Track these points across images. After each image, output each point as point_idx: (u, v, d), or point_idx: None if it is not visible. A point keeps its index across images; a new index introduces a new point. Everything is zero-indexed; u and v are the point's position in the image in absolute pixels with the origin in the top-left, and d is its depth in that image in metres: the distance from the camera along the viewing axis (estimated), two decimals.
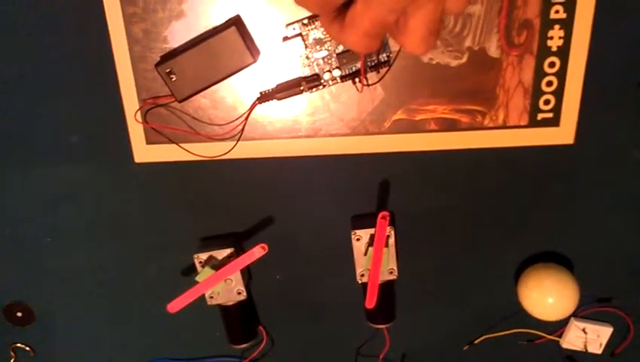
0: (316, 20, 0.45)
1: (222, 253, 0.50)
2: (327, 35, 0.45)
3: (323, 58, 0.46)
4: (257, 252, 0.47)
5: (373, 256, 0.48)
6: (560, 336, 0.56)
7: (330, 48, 0.45)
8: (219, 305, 0.52)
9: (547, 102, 0.47)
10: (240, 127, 0.48)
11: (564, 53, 0.46)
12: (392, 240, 0.49)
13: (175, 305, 0.49)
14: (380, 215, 0.46)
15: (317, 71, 0.46)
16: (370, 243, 0.49)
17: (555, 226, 0.53)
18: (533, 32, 0.45)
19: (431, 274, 0.55)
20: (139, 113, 0.48)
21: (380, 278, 0.50)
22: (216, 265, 0.50)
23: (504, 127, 0.48)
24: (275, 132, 0.49)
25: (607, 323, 0.55)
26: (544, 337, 0.56)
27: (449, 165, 0.50)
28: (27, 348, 0.60)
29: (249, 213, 0.53)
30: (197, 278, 0.49)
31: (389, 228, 0.49)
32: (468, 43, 0.45)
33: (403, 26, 0.30)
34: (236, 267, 0.48)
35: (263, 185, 0.52)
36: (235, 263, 0.48)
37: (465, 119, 0.48)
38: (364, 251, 0.50)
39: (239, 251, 0.52)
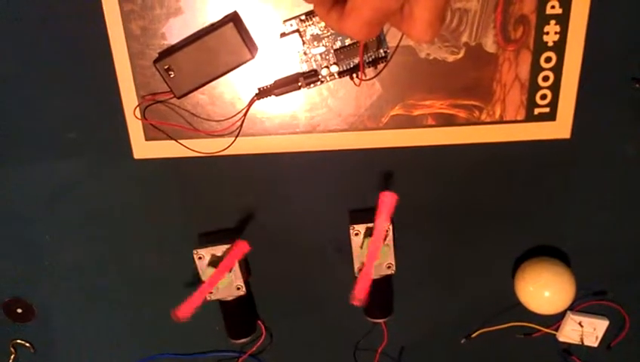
0: (314, 16, 0.45)
1: (221, 249, 0.50)
2: (325, 31, 0.45)
3: (320, 54, 0.46)
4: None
5: (370, 246, 0.48)
6: (556, 330, 0.56)
7: (327, 44, 0.46)
8: (218, 300, 0.53)
9: (544, 96, 0.48)
10: (238, 123, 0.49)
11: (560, 48, 0.46)
12: (390, 235, 0.50)
13: (184, 311, 0.49)
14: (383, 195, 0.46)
15: (315, 67, 0.46)
16: (369, 235, 0.49)
17: (551, 220, 0.53)
18: (530, 28, 0.45)
19: (428, 269, 0.56)
20: (138, 109, 0.48)
21: (378, 273, 0.51)
22: (216, 261, 0.50)
23: (501, 121, 0.48)
24: (274, 128, 0.49)
25: (603, 317, 0.55)
26: (541, 330, 0.56)
27: (446, 160, 0.51)
28: (27, 344, 0.60)
29: (248, 209, 0.53)
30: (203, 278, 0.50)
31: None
32: (465, 38, 0.46)
33: (408, 14, 0.30)
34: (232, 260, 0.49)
35: (261, 181, 0.52)
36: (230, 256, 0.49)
37: (462, 114, 0.48)
38: (361, 245, 0.50)
39: None
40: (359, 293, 0.47)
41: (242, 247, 0.49)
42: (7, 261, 0.56)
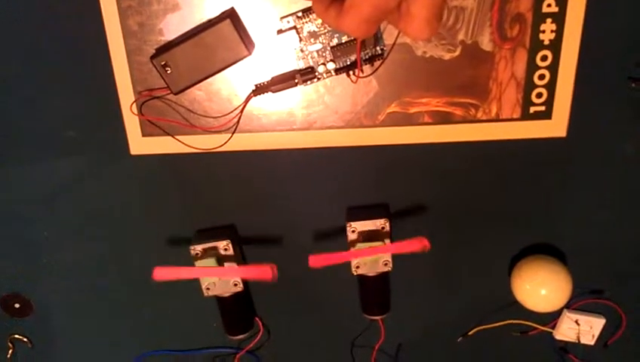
0: (311, 13, 0.45)
1: (218, 245, 0.50)
2: (322, 28, 0.45)
3: (317, 51, 0.46)
4: None
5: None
6: (553, 328, 0.56)
7: (324, 41, 0.46)
8: (216, 296, 0.53)
9: (539, 95, 0.48)
10: (235, 120, 0.49)
11: (556, 46, 0.46)
12: (387, 232, 0.50)
13: (271, 272, 0.47)
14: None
15: (311, 64, 0.46)
16: (365, 236, 0.49)
17: (548, 218, 0.53)
18: (526, 26, 0.45)
19: (425, 266, 0.56)
20: (134, 105, 0.48)
21: (375, 270, 0.51)
22: (216, 255, 0.50)
23: (497, 120, 0.48)
24: (270, 124, 0.49)
25: (599, 315, 0.55)
26: (537, 328, 0.56)
27: (442, 158, 0.51)
28: (25, 339, 0.60)
29: (244, 205, 0.53)
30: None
31: (383, 220, 0.50)
32: (461, 36, 0.46)
33: (405, 12, 0.30)
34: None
35: (258, 178, 0.52)
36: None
37: (458, 112, 0.48)
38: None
39: (235, 243, 0.52)
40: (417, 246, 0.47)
41: (160, 273, 0.48)
42: (6, 259, 0.57)
